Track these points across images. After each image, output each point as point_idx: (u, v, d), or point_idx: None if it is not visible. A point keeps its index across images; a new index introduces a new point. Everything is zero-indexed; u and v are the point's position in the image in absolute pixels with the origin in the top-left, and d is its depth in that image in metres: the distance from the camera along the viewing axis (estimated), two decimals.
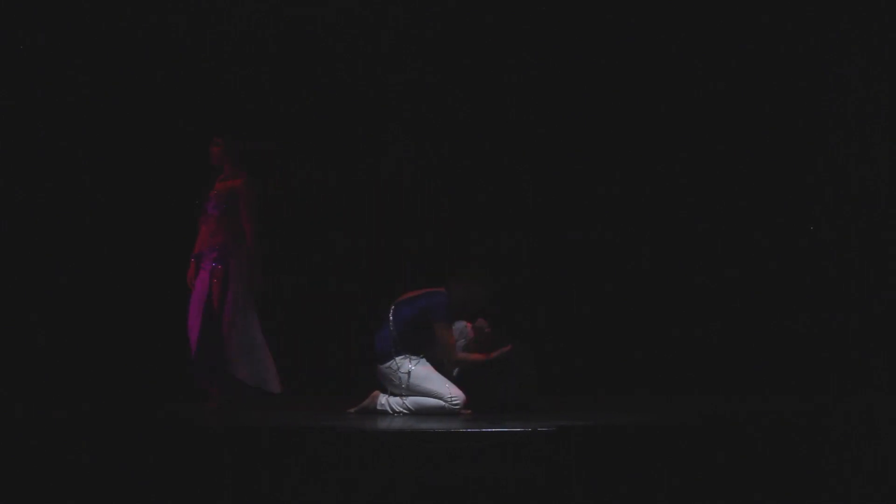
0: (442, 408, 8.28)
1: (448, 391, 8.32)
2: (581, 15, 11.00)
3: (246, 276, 8.83)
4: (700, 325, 10.86)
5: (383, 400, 8.46)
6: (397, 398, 8.42)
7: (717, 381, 10.58)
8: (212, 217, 8.91)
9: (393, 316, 8.46)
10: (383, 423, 7.78)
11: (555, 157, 11.08)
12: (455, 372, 8.53)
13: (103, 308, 10.48)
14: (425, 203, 11.14)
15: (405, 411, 8.38)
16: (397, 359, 8.40)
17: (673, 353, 10.77)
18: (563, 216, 11.00)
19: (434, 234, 11.05)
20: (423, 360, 8.43)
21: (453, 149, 11.10)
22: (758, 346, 10.75)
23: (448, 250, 10.94)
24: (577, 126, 11.05)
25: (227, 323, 8.73)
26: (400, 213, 11.10)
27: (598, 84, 11.03)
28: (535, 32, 10.99)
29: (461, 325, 8.61)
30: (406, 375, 8.35)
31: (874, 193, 10.78)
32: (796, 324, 10.80)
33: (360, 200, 11.11)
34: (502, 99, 11.09)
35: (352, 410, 8.56)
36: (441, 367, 8.48)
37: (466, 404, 8.36)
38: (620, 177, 11.07)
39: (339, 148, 11.07)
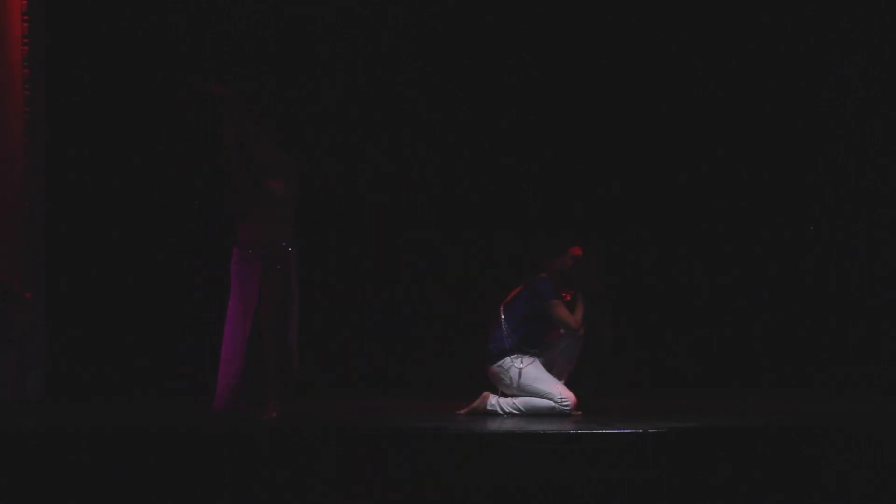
0: (552, 409, 8.20)
1: (558, 392, 8.24)
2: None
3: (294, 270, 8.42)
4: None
5: (493, 401, 8.37)
6: (507, 399, 8.33)
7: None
8: (262, 208, 8.34)
9: (504, 315, 8.43)
10: (493, 424, 7.68)
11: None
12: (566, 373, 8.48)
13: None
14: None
15: (515, 412, 8.28)
16: (509, 358, 8.34)
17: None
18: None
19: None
20: (536, 361, 8.38)
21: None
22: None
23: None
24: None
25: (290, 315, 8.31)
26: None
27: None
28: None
29: None
30: (517, 374, 8.29)
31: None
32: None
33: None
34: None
35: (462, 412, 8.46)
36: (552, 370, 8.42)
37: (576, 406, 8.27)
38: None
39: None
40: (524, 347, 8.37)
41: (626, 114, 11.04)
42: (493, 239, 10.86)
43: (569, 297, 8.45)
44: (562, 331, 8.43)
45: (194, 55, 10.50)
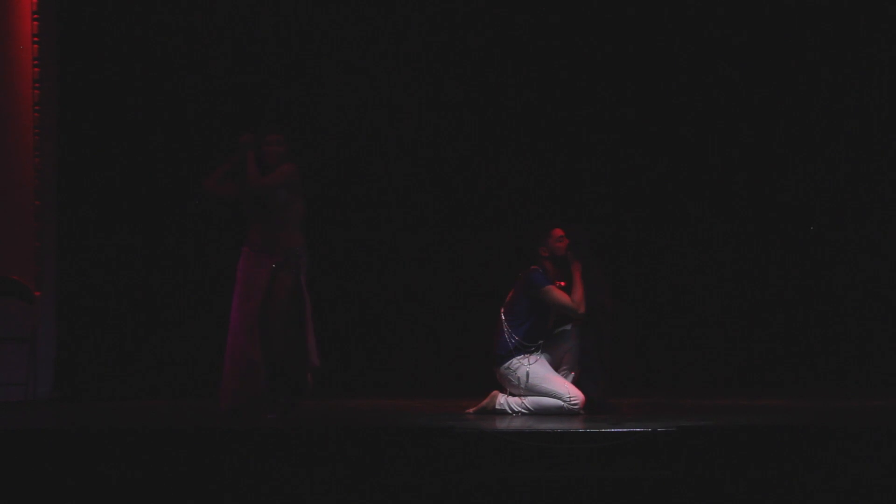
0: (560, 408, 8.19)
1: (567, 391, 8.23)
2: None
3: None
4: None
5: (502, 400, 8.35)
6: (516, 398, 8.32)
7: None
8: (272, 212, 8.39)
9: (505, 317, 8.43)
10: (502, 423, 7.68)
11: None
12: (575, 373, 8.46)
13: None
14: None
15: (524, 411, 8.27)
16: (515, 359, 8.32)
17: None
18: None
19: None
20: (542, 359, 8.38)
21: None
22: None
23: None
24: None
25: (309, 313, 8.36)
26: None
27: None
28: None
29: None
30: (525, 375, 8.28)
31: None
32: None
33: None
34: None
35: (470, 411, 8.45)
36: (559, 369, 8.42)
37: (584, 405, 8.26)
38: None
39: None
40: (529, 345, 8.36)
41: (632, 111, 11.01)
42: (498, 237, 10.83)
43: (563, 284, 8.42)
44: (567, 327, 8.43)
45: (204, 53, 10.55)
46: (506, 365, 8.34)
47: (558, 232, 8.51)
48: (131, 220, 10.33)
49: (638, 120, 10.89)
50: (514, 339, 8.33)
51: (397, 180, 10.87)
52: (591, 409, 8.25)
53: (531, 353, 8.36)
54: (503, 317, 8.43)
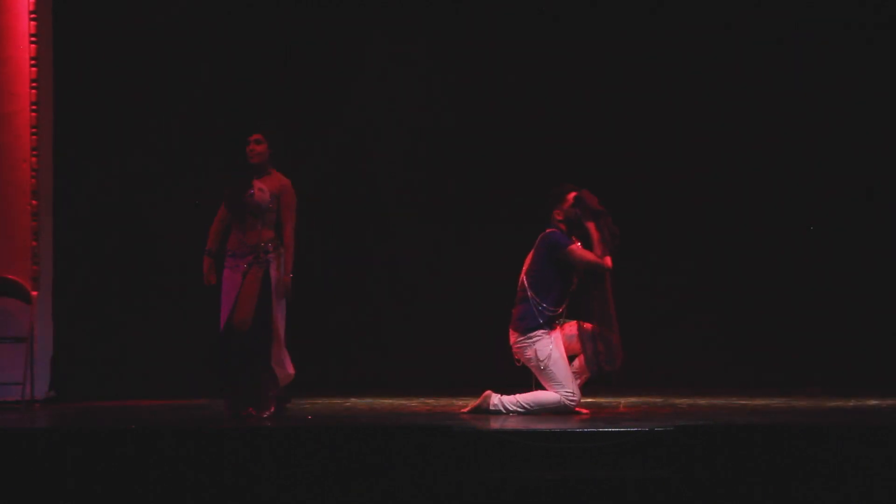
0: (557, 403, 8.16)
1: (571, 386, 8.20)
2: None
3: (281, 272, 8.49)
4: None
5: (496, 400, 8.29)
6: (510, 397, 8.27)
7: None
8: (252, 217, 8.46)
9: (530, 286, 8.35)
10: (500, 423, 7.66)
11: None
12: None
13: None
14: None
15: (520, 410, 8.22)
16: (538, 332, 8.25)
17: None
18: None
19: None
20: (560, 342, 8.29)
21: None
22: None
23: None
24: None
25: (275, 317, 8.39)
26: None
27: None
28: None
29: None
30: (545, 351, 8.21)
31: None
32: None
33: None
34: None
35: (465, 411, 8.41)
36: (572, 359, 8.37)
37: (580, 404, 8.29)
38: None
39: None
40: (555, 310, 8.32)
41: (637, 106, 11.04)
42: (498, 236, 10.83)
43: (579, 243, 8.41)
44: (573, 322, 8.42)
45: (200, 53, 10.58)
46: (527, 335, 8.29)
47: (573, 193, 8.48)
48: (128, 219, 10.33)
49: (644, 115, 10.91)
50: (542, 306, 8.29)
51: (394, 179, 10.88)
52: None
53: (553, 328, 8.32)
54: (528, 287, 8.37)
